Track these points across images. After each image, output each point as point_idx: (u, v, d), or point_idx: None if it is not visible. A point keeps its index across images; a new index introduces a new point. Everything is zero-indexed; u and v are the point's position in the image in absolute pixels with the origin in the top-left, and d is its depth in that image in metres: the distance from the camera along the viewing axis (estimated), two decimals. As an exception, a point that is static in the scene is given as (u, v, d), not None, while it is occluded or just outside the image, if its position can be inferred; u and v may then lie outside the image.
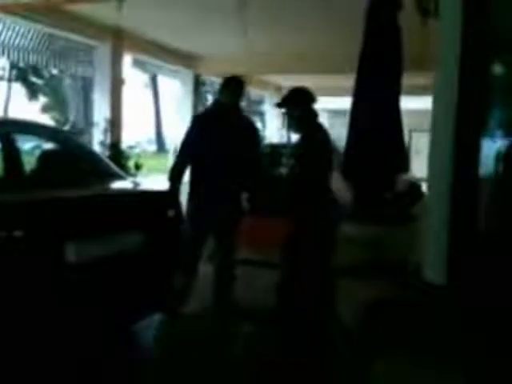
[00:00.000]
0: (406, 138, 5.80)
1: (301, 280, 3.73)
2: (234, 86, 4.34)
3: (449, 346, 3.57)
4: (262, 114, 22.04)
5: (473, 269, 4.26)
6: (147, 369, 3.31)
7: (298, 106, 3.90)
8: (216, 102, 4.52)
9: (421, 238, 5.04)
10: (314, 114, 3.94)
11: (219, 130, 4.18)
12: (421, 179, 9.00)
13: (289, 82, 12.06)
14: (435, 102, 4.75)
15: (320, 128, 3.99)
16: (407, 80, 5.48)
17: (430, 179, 4.83)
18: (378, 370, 3.30)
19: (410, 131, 15.74)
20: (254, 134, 4.44)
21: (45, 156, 3.86)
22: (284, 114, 4.02)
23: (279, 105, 4.03)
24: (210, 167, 4.14)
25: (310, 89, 3.99)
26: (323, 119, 20.31)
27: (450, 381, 3.15)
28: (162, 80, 25.07)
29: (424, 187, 7.59)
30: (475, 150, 4.54)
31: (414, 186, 9.63)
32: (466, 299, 4.02)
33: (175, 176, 4.11)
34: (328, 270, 3.86)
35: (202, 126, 4.24)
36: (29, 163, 3.77)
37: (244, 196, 4.22)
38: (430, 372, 3.26)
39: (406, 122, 5.55)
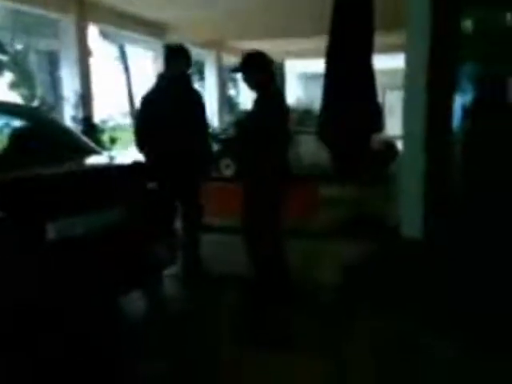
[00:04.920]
0: (380, 97, 5.83)
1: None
2: (180, 57, 4.24)
3: (428, 299, 3.68)
4: (235, 81, 21.81)
5: (448, 224, 4.37)
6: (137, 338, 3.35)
7: (252, 69, 3.84)
8: (162, 76, 4.34)
9: (398, 195, 5.13)
10: (269, 76, 3.88)
11: (170, 106, 4.13)
12: (395, 137, 9.09)
13: (264, 46, 11.90)
14: (407, 60, 4.77)
15: (275, 91, 3.95)
16: (380, 38, 5.46)
17: (405, 137, 4.89)
18: (361, 328, 3.39)
19: (384, 89, 15.76)
20: (200, 103, 4.42)
21: (17, 134, 3.79)
22: (242, 79, 3.96)
23: (235, 70, 3.98)
24: (167, 140, 4.13)
25: (264, 51, 3.92)
26: (298, 83, 19.99)
27: (435, 338, 3.25)
28: (133, 51, 24.49)
29: (399, 145, 7.67)
30: (447, 106, 4.60)
31: (389, 144, 9.73)
32: (442, 253, 4.14)
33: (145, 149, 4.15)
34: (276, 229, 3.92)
35: (153, 105, 4.19)
36: (-1, 142, 3.70)
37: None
38: (414, 327, 3.36)
39: (380, 81, 5.56)
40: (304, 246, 4.99)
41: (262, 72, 3.84)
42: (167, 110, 4.13)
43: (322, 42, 5.80)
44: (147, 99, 4.27)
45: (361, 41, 5.23)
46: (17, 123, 4.48)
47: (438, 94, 4.54)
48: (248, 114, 4.05)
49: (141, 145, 4.21)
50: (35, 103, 10.46)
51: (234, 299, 3.93)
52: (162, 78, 4.34)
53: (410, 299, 3.71)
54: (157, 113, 4.14)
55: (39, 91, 14.60)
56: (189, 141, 4.18)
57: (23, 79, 24.45)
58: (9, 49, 22.75)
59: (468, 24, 4.79)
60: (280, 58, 17.32)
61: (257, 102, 3.88)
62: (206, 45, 13.22)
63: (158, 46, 12.17)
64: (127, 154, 7.62)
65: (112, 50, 28.29)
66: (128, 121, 29.27)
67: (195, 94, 4.46)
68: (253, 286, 3.96)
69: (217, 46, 13.50)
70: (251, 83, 3.89)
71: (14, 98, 21.65)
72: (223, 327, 3.52)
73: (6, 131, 4.23)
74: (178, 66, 4.22)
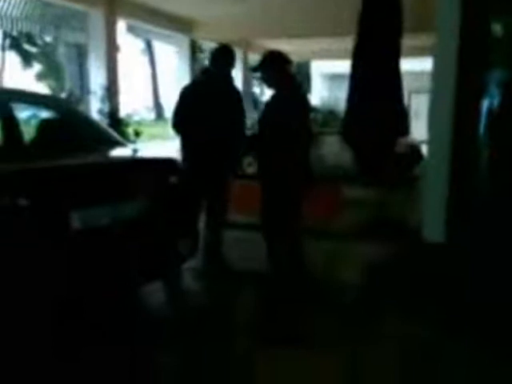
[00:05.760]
0: (406, 100, 5.78)
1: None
2: (225, 57, 4.38)
3: (447, 303, 3.65)
4: (260, 79, 21.84)
5: (472, 228, 4.32)
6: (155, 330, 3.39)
7: (271, 68, 3.92)
8: (206, 72, 4.56)
9: (421, 198, 5.08)
10: (288, 75, 3.96)
11: (209, 100, 4.26)
12: (421, 142, 8.99)
13: (289, 46, 11.89)
14: (436, 64, 4.72)
15: (294, 89, 4.00)
16: (407, 41, 5.42)
17: (430, 140, 4.84)
18: (384, 328, 3.38)
19: (410, 93, 15.60)
20: (239, 101, 4.53)
21: (45, 125, 3.85)
22: (260, 78, 4.07)
23: (255, 69, 4.06)
24: (201, 135, 4.26)
25: (283, 51, 4.01)
26: (323, 82, 19.79)
27: (451, 338, 3.22)
28: (159, 46, 24.69)
29: (424, 149, 7.58)
30: (475, 111, 4.54)
31: (414, 148, 9.63)
32: (465, 257, 4.08)
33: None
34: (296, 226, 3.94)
35: (192, 97, 4.31)
36: (26, 133, 3.76)
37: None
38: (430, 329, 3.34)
39: (406, 84, 5.52)
40: (325, 246, 4.98)
41: (280, 71, 3.91)
42: (206, 103, 4.24)
43: (347, 43, 5.78)
44: (188, 90, 4.39)
45: (388, 42, 5.20)
46: (44, 114, 4.57)
47: (465, 97, 4.49)
48: (265, 111, 4.09)
49: (179, 131, 4.36)
50: (63, 95, 10.60)
51: (251, 295, 3.94)
52: (206, 73, 4.53)
53: (428, 302, 3.68)
54: (195, 105, 4.26)
55: (67, 83, 14.78)
56: (223, 135, 4.27)
57: (52, 71, 24.90)
58: (38, 41, 23.16)
59: (498, 28, 4.73)
60: (306, 57, 17.28)
61: (273, 100, 3.94)
62: (232, 43, 13.22)
63: (185, 42, 12.23)
64: (150, 147, 7.71)
65: (138, 45, 28.59)
66: (152, 115, 29.60)
67: (236, 92, 4.56)
68: (270, 282, 3.98)
69: (243, 44, 13.51)
70: (268, 82, 3.98)
71: (42, 89, 22.02)
72: (239, 322, 3.54)
73: (34, 122, 4.31)
74: (223, 64, 4.35)
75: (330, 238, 5.29)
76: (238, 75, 15.01)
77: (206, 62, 15.26)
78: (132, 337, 3.19)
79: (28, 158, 3.22)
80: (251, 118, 13.26)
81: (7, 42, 23.56)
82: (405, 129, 5.61)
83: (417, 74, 13.29)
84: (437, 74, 4.70)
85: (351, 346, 3.13)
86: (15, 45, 23.75)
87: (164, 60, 26.42)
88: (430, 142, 4.84)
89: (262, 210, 3.92)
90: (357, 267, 4.46)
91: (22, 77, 24.27)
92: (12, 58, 24.32)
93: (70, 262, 2.89)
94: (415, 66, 12.57)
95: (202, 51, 17.50)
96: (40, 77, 25.91)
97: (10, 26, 8.88)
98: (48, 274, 2.78)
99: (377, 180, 5.61)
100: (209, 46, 13.68)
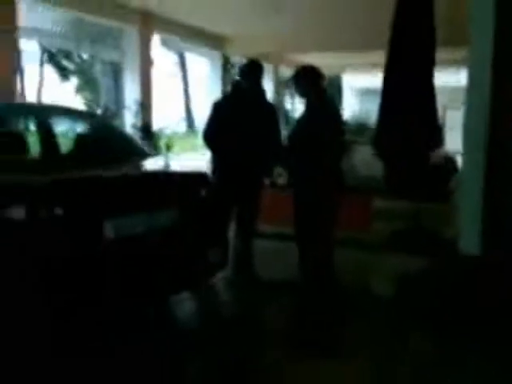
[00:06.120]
0: (440, 115, 5.68)
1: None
2: (254, 70, 4.47)
3: (483, 318, 3.55)
4: (291, 94, 21.93)
5: (507, 241, 4.21)
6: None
7: (304, 82, 4.01)
8: (237, 85, 4.64)
9: (457, 210, 4.99)
10: (320, 89, 4.03)
11: (242, 113, 4.32)
12: (456, 152, 8.81)
13: (320, 59, 11.92)
14: (470, 75, 4.65)
15: (326, 102, 4.07)
16: (442, 54, 5.36)
17: (465, 151, 4.76)
18: (414, 342, 3.32)
19: (444, 108, 15.33)
20: (273, 114, 4.59)
21: (81, 139, 3.97)
22: (294, 91, 4.16)
23: (288, 82, 4.12)
24: (234, 147, 4.30)
25: (316, 66, 4.10)
26: (353, 97, 19.71)
27: (485, 353, 3.14)
28: (191, 59, 25.09)
29: (459, 161, 7.44)
30: (511, 123, 4.46)
31: (449, 159, 9.48)
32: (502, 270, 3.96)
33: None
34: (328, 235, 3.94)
35: (224, 110, 4.38)
36: (63, 145, 3.89)
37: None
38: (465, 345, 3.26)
39: (441, 99, 5.45)
40: (358, 256, 4.99)
41: (312, 86, 3.99)
42: (238, 116, 4.32)
43: (379, 57, 5.76)
44: (220, 104, 4.49)
45: (421, 55, 5.15)
46: (81, 128, 4.71)
47: (500, 110, 4.42)
48: (297, 123, 4.17)
49: (210, 145, 4.42)
50: (99, 110, 10.90)
51: (281, 305, 3.95)
52: (237, 86, 4.64)
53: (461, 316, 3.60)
54: (227, 118, 4.33)
55: (103, 98, 15.18)
56: (256, 147, 4.31)
57: (88, 85, 25.54)
58: (75, 58, 23.84)
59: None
60: (337, 71, 17.28)
61: (305, 112, 4.02)
62: (263, 57, 13.34)
63: (216, 54, 12.42)
64: (181, 159, 7.81)
65: (171, 57, 29.09)
66: (184, 128, 29.97)
67: (268, 104, 4.65)
68: (300, 292, 4.00)
69: (274, 58, 13.61)
70: (302, 95, 4.07)
71: (79, 100, 22.64)
72: (269, 332, 3.53)
73: (71, 135, 4.46)
74: (252, 77, 4.43)
75: (362, 249, 5.27)
76: (268, 90, 15.13)
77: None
78: (162, 346, 3.20)
79: (64, 169, 3.30)
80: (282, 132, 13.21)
81: (45, 56, 24.33)
82: (438, 141, 5.53)
83: (453, 90, 13.10)
84: (471, 84, 4.63)
85: (381, 356, 3.10)
86: (53, 61, 24.48)
87: (196, 70, 26.79)
88: (465, 154, 4.76)
89: (295, 219, 3.96)
90: (389, 278, 4.40)
91: (60, 90, 24.94)
92: (50, 72, 25.05)
93: (104, 270, 2.93)
94: (451, 82, 12.43)
95: (232, 66, 17.70)
96: (77, 90, 26.61)
97: (47, 42, 9.20)
98: (81, 281, 2.83)
99: (409, 192, 5.53)
100: (240, 60, 13.86)
